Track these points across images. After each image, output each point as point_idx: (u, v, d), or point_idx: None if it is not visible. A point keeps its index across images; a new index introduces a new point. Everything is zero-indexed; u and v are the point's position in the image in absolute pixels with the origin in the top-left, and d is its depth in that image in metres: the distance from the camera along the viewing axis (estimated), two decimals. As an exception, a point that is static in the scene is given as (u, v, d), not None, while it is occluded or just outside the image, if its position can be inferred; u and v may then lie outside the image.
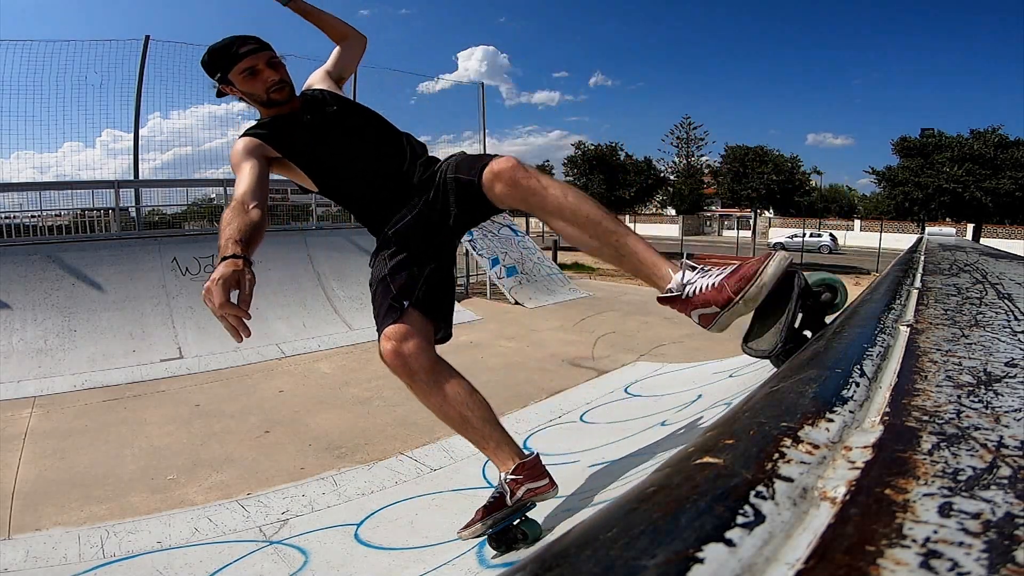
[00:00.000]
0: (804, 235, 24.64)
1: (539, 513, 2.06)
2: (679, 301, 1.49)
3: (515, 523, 1.95)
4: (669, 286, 1.49)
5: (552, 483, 1.89)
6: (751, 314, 1.46)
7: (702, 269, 1.50)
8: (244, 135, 1.81)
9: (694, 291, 1.46)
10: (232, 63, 1.76)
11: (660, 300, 1.54)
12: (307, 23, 2.10)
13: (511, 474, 1.85)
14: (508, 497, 1.86)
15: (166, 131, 10.90)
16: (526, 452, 1.93)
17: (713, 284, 1.43)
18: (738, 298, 1.39)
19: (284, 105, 1.83)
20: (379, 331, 1.68)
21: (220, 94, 1.86)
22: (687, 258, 1.76)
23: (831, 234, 27.05)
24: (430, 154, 1.92)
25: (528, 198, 1.56)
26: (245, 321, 1.29)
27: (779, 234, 34.98)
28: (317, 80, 2.05)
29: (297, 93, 1.91)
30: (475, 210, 1.70)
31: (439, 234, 1.78)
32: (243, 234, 1.42)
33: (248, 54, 1.76)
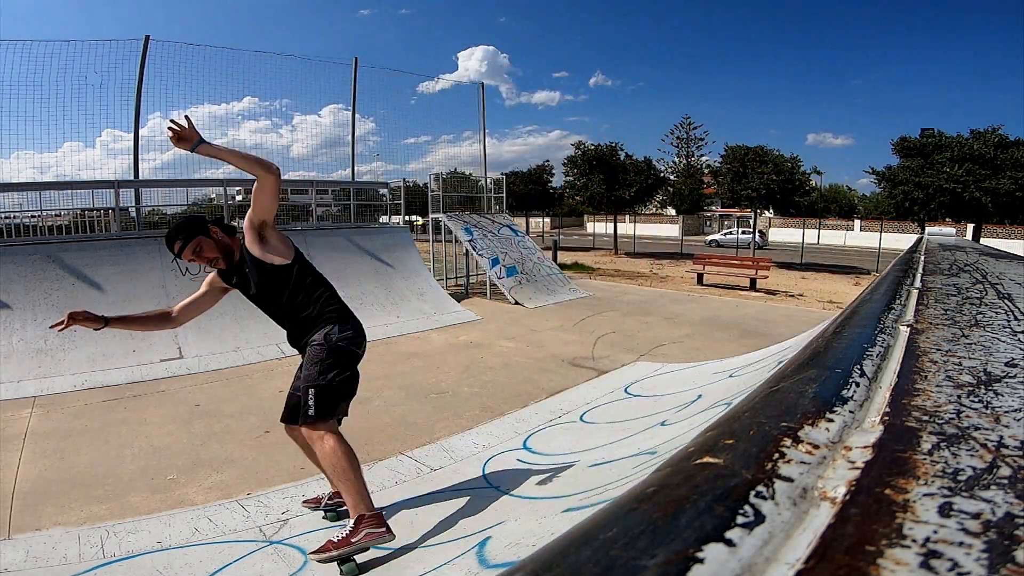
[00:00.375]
0: (738, 232, 27.43)
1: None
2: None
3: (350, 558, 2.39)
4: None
5: (388, 531, 2.40)
6: None
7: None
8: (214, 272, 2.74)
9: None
10: (179, 254, 2.56)
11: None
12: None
13: (358, 523, 2.39)
14: (352, 535, 2.36)
15: (166, 131, 10.92)
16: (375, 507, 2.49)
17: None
18: None
19: (220, 263, 2.63)
20: (314, 417, 2.44)
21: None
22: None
23: (761, 232, 28.84)
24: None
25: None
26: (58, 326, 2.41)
27: (780, 234, 35.00)
28: (247, 239, 2.60)
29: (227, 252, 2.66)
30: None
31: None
32: (129, 317, 2.85)
33: (179, 252, 2.55)
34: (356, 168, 11.77)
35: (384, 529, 2.38)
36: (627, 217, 30.44)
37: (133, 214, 8.97)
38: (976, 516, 0.33)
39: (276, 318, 2.67)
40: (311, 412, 2.41)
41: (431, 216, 11.44)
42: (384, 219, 12.96)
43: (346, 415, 2.68)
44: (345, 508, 2.64)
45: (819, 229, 33.47)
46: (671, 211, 29.92)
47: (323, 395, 2.43)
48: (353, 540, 2.33)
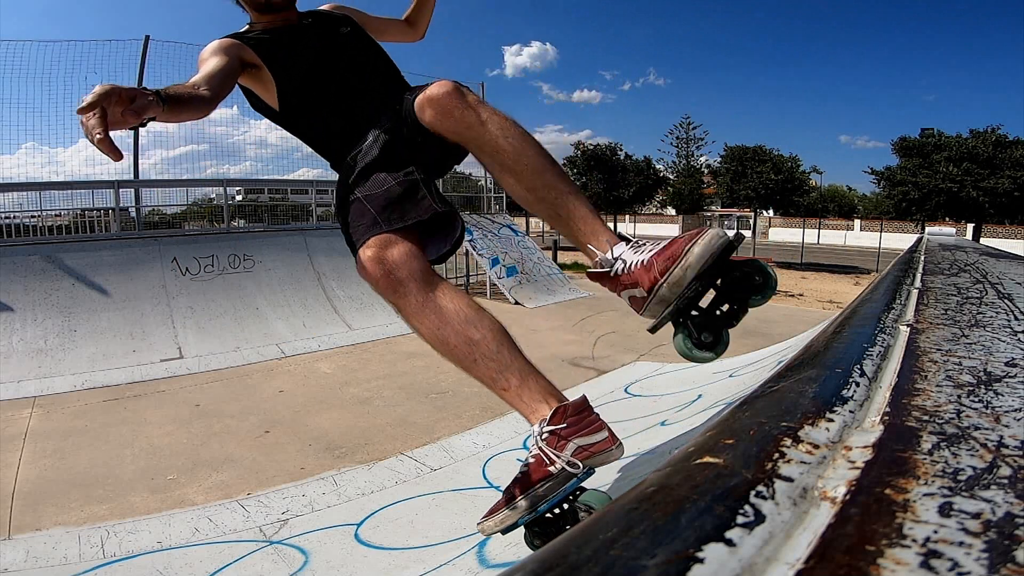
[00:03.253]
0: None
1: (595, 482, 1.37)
2: (608, 279, 1.28)
3: (566, 501, 1.30)
4: (598, 259, 1.30)
5: (613, 437, 1.28)
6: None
7: (636, 243, 1.28)
8: (224, 37, 1.57)
9: (624, 268, 1.23)
10: None
11: (590, 276, 1.35)
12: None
13: (548, 424, 1.26)
14: (547, 463, 1.23)
15: (177, 126, 10.90)
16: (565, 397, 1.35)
17: (643, 261, 1.19)
18: (662, 280, 1.13)
19: (281, 12, 1.65)
20: (358, 247, 1.35)
21: None
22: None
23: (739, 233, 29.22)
24: None
25: (463, 132, 1.31)
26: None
27: (780, 234, 35.02)
28: (346, 5, 1.81)
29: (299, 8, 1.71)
30: (427, 148, 1.43)
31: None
32: (175, 88, 1.23)
33: None
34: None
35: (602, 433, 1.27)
36: (627, 217, 30.45)
37: (133, 214, 8.96)
38: (976, 516, 0.33)
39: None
40: None
41: (431, 216, 11.43)
42: (384, 219, 12.91)
43: None
44: None
45: (819, 229, 33.50)
46: (671, 211, 29.91)
47: None
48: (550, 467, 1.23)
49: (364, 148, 1.47)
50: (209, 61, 1.45)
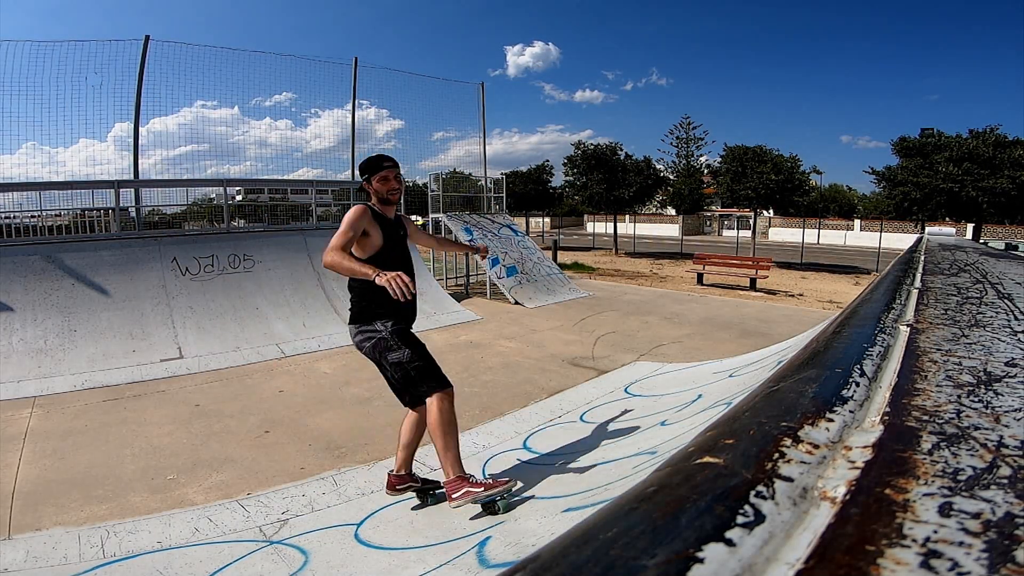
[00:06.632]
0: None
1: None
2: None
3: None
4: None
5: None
6: None
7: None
8: (363, 205, 2.71)
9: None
10: (376, 170, 2.78)
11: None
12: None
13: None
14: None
15: (175, 126, 10.90)
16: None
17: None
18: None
19: (390, 206, 2.85)
20: (432, 389, 2.71)
21: (361, 188, 2.87)
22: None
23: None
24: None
25: None
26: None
27: (780, 234, 34.99)
28: (406, 217, 3.09)
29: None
30: None
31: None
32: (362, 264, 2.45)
33: (387, 167, 2.79)
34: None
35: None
36: (627, 217, 30.44)
37: (133, 214, 8.96)
38: (976, 516, 0.33)
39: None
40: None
41: (431, 216, 11.43)
42: (384, 219, 12.91)
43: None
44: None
45: (819, 229, 33.48)
46: (671, 211, 29.90)
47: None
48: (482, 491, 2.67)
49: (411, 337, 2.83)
50: (350, 229, 2.59)
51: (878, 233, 21.20)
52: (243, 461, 3.67)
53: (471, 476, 2.73)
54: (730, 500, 0.35)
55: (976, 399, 0.54)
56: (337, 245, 2.48)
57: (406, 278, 2.15)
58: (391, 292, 2.12)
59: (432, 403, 2.68)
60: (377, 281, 2.19)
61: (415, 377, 2.71)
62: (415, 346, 2.74)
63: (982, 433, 0.46)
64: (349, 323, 2.78)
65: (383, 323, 2.68)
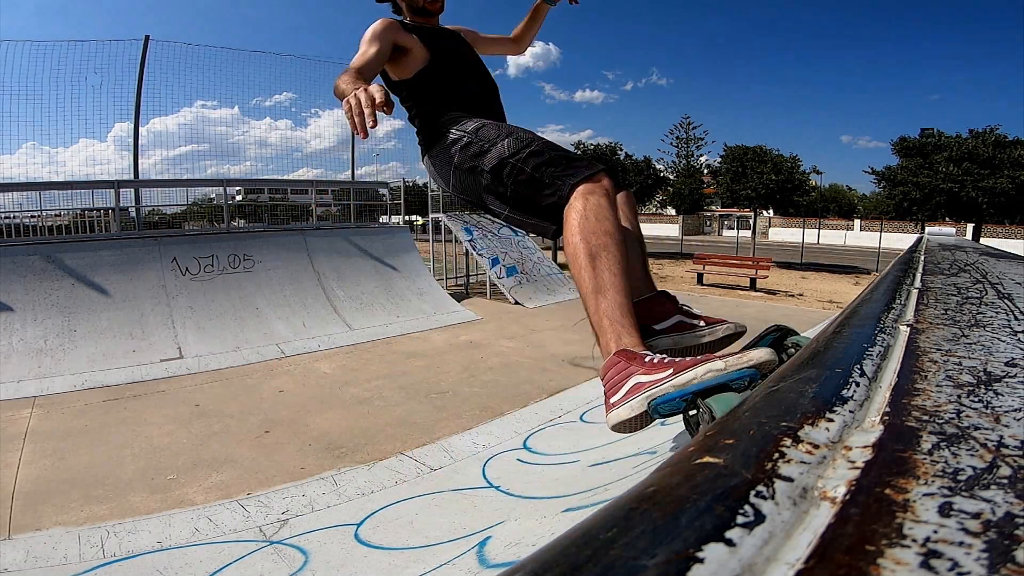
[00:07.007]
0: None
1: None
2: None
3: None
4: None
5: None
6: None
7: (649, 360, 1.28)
8: (387, 18, 1.93)
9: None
10: None
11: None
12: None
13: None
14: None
15: (175, 126, 10.90)
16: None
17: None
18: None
19: (431, 17, 2.07)
20: (577, 181, 1.50)
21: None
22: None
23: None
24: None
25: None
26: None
27: (780, 234, 34.99)
28: (465, 29, 2.24)
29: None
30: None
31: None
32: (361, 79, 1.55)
33: None
34: (375, 167, 11.78)
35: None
36: (627, 217, 30.40)
37: (133, 214, 8.96)
38: (976, 516, 0.33)
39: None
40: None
41: (431, 216, 11.44)
42: (384, 219, 12.96)
43: None
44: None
45: (819, 229, 33.48)
46: (671, 211, 29.91)
47: None
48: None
49: (508, 126, 1.77)
50: (371, 46, 1.76)
51: (878, 233, 21.21)
52: (243, 461, 3.67)
53: (646, 354, 1.30)
54: (730, 500, 0.35)
55: (976, 399, 0.54)
56: (350, 66, 1.67)
57: (379, 97, 1.30)
58: (346, 117, 1.31)
59: (573, 205, 1.49)
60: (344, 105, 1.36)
61: (533, 174, 1.57)
62: (516, 130, 1.71)
63: (982, 433, 0.46)
64: (423, 159, 1.95)
65: (457, 129, 1.77)
